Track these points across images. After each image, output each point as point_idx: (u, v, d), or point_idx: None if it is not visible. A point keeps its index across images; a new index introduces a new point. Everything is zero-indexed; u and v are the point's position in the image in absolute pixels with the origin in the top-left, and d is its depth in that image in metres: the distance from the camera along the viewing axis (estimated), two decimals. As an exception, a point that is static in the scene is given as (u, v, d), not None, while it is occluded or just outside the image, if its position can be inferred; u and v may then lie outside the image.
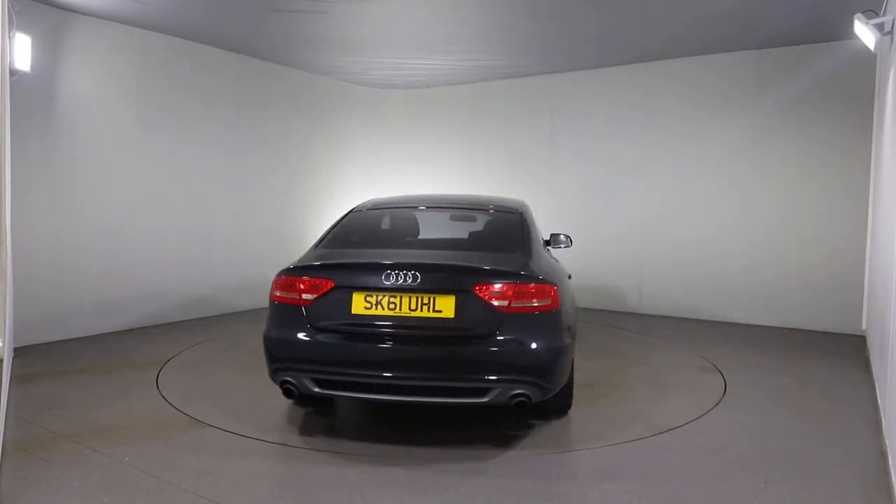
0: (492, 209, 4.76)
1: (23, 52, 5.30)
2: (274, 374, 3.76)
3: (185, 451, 3.63)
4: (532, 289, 3.63)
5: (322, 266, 3.85)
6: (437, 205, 4.99)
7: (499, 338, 3.54)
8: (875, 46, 5.05)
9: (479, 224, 4.76)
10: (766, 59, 7.32)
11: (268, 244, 8.19)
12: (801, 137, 7.21)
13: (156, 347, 6.06)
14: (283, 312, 3.81)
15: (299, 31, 6.81)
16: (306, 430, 4.03)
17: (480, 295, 3.56)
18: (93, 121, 6.47)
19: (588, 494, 3.15)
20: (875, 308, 5.18)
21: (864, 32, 4.77)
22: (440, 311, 3.57)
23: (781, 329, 7.29)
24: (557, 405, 4.22)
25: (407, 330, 3.60)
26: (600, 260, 8.34)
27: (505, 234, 4.44)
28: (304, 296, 3.72)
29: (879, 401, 4.37)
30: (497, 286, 3.58)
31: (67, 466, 3.40)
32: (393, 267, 3.62)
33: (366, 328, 3.65)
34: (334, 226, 4.57)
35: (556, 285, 3.73)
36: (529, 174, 9.06)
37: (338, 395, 3.92)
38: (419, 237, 4.73)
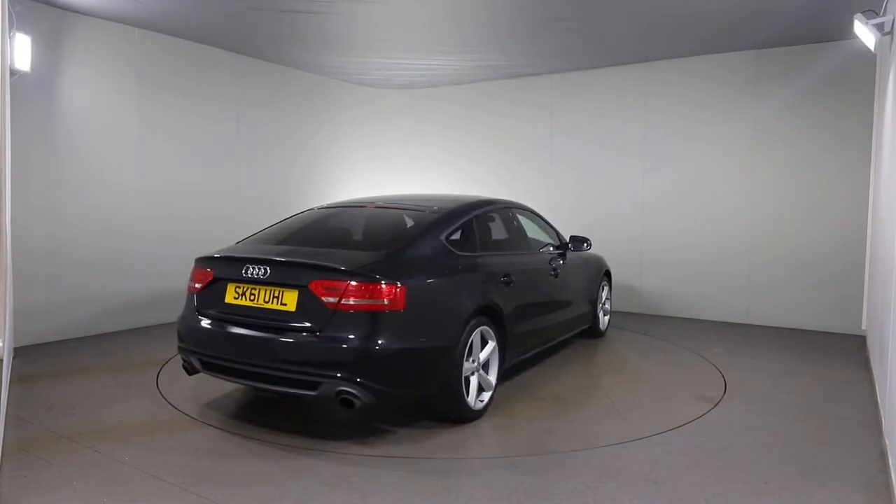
0: (416, 209, 4.64)
1: (23, 52, 5.31)
2: (178, 351, 4.24)
3: (185, 451, 3.63)
4: (365, 287, 3.61)
5: (207, 258, 4.22)
6: (364, 205, 4.96)
7: (326, 334, 3.62)
8: (875, 46, 5.05)
9: (411, 222, 4.60)
10: (766, 59, 7.32)
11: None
12: (801, 139, 7.20)
13: (156, 347, 6.06)
14: (187, 299, 4.28)
15: (299, 31, 6.81)
16: (305, 430, 4.03)
17: (314, 291, 3.68)
18: (93, 121, 6.47)
19: (588, 494, 3.15)
20: (875, 308, 5.18)
21: (864, 32, 4.77)
22: (285, 305, 3.78)
23: (781, 329, 7.29)
24: (443, 411, 4.10)
25: (260, 320, 3.84)
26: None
27: (393, 233, 4.38)
28: (196, 284, 4.18)
29: (879, 401, 4.37)
30: (328, 283, 3.66)
31: (67, 466, 3.40)
32: (249, 261, 3.92)
33: (232, 316, 3.95)
34: (269, 226, 4.85)
35: (398, 286, 3.66)
36: (529, 173, 9.06)
37: (216, 377, 4.14)
38: (320, 235, 4.55)
